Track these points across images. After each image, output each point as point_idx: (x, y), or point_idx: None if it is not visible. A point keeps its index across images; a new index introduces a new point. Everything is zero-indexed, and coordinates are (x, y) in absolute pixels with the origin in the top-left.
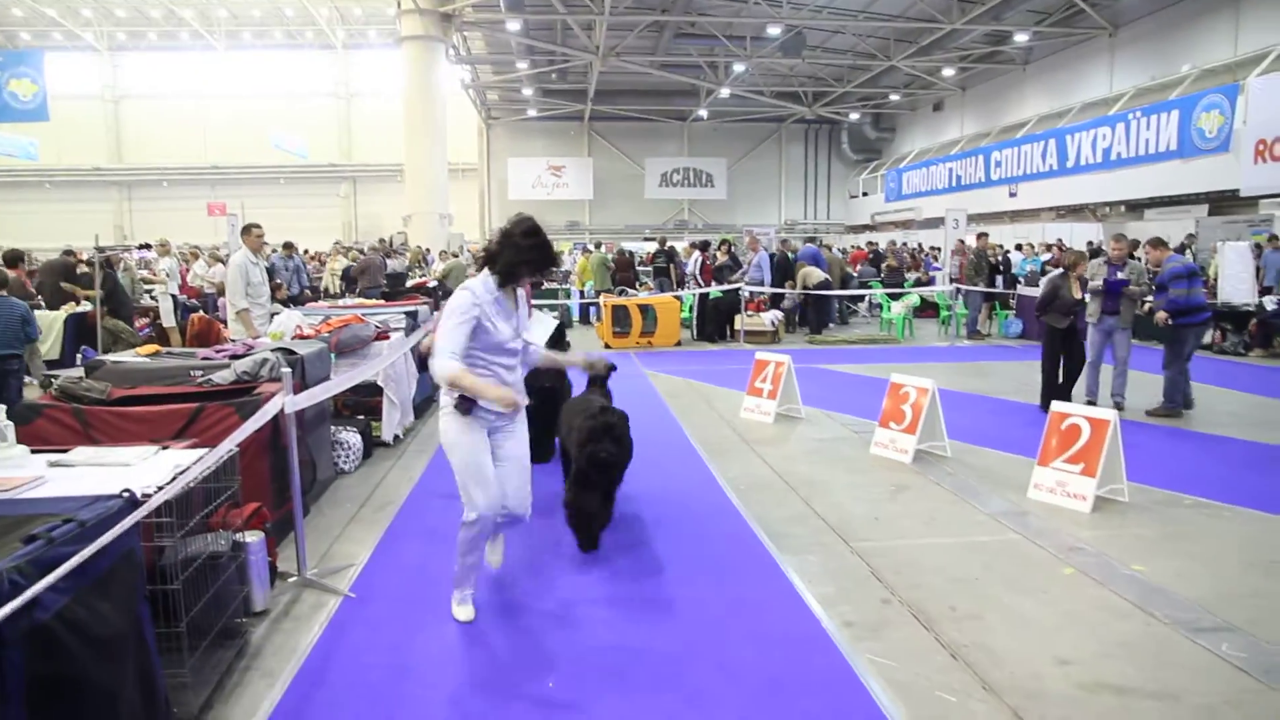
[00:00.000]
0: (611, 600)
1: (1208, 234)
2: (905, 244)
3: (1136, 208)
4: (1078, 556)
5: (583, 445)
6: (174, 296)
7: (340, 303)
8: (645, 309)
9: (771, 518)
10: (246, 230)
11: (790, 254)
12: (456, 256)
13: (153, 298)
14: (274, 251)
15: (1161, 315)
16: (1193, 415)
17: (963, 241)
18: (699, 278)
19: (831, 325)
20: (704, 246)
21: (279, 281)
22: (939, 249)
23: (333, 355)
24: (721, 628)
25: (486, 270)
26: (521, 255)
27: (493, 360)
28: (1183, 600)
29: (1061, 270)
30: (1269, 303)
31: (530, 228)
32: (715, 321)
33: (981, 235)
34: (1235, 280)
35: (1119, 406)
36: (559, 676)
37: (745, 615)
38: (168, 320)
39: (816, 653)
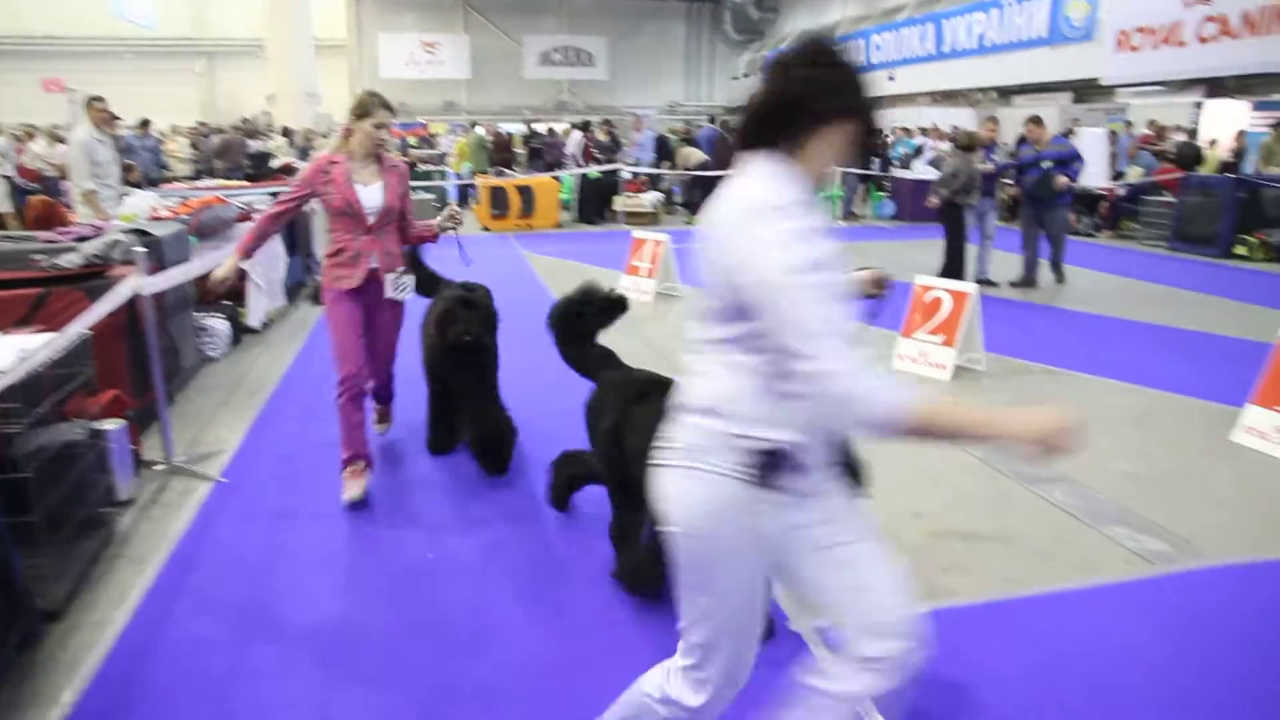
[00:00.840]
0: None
1: (1072, 121)
2: None
3: (1007, 94)
4: None
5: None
6: (9, 179)
7: (199, 184)
8: (523, 190)
9: None
10: (89, 104)
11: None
12: (325, 138)
13: None
14: (128, 130)
15: (1064, 180)
16: (1046, 291)
17: None
18: (579, 159)
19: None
20: (584, 127)
21: (131, 162)
22: None
23: (193, 238)
24: (599, 500)
25: (769, 159)
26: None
27: None
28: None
29: (961, 151)
30: (1119, 187)
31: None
32: (594, 202)
33: None
34: (1090, 164)
35: (988, 282)
36: (436, 548)
37: None
38: (2, 204)
39: None
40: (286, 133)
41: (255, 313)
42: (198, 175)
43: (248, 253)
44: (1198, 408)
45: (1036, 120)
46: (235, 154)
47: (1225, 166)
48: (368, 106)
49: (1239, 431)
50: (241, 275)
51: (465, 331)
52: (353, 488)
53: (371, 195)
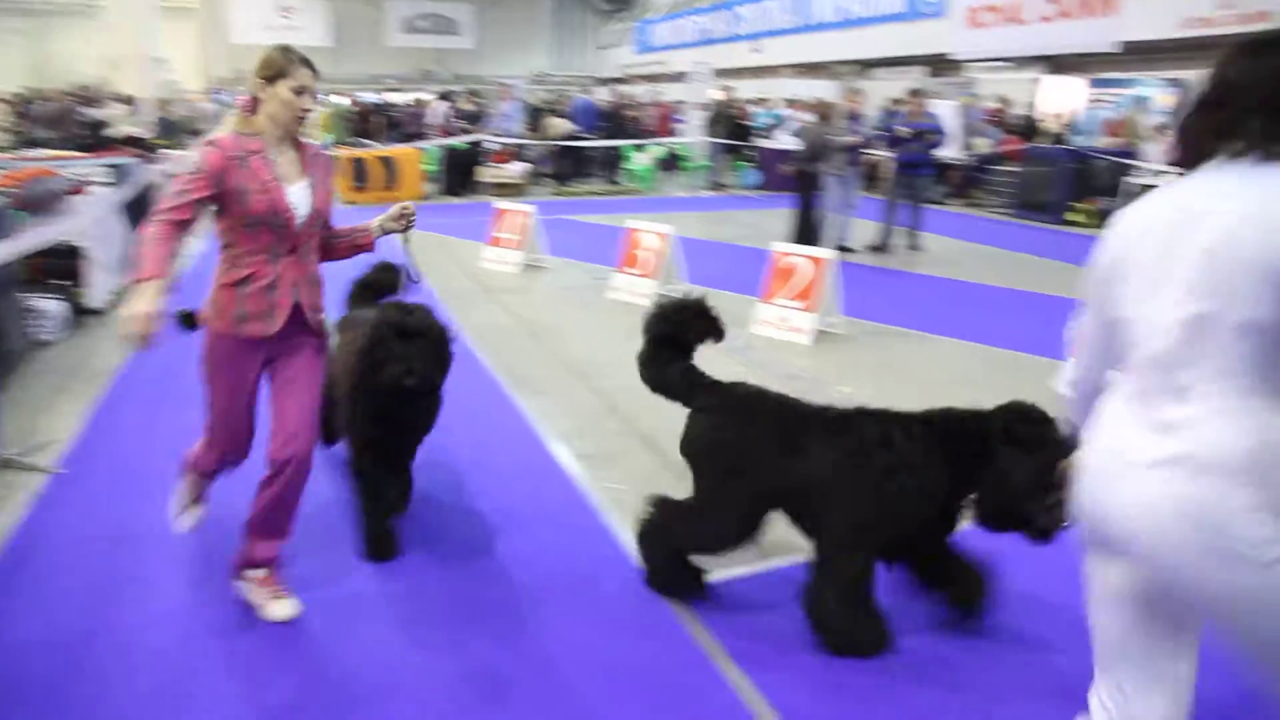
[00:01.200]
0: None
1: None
2: (657, 97)
3: (868, 66)
4: (794, 382)
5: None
6: None
7: (26, 154)
8: (385, 161)
9: (512, 362)
10: None
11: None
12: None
13: None
14: None
15: (933, 138)
16: (900, 256)
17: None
18: (451, 128)
19: (582, 178)
20: (447, 96)
21: None
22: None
23: (21, 213)
24: (457, 468)
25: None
26: None
27: None
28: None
29: (817, 121)
30: (970, 157)
31: None
32: (459, 173)
33: (727, 89)
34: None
35: (847, 249)
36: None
37: (483, 455)
38: None
39: (553, 485)
40: (130, 100)
41: (96, 292)
42: (19, 145)
43: (166, 276)
44: (1029, 362)
45: (916, 93)
46: (68, 123)
47: (1056, 139)
48: (282, 66)
49: (1060, 383)
50: (75, 253)
51: (408, 371)
52: (189, 517)
53: (298, 196)
